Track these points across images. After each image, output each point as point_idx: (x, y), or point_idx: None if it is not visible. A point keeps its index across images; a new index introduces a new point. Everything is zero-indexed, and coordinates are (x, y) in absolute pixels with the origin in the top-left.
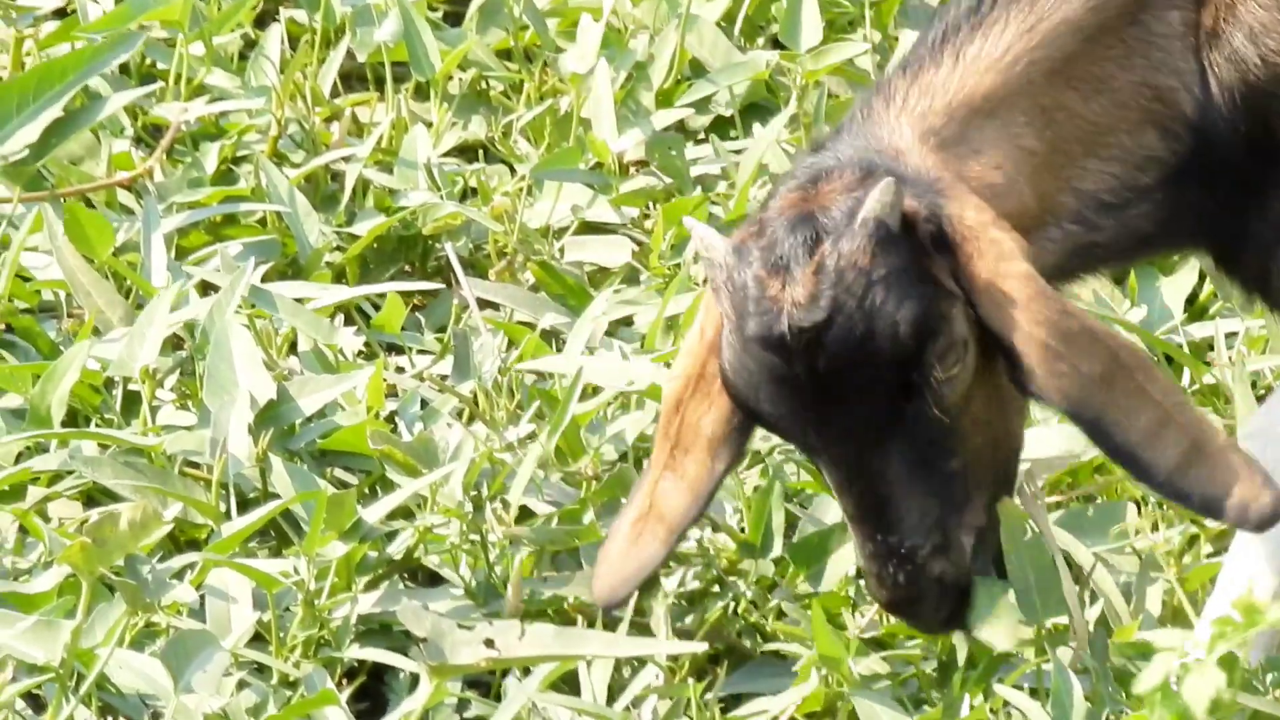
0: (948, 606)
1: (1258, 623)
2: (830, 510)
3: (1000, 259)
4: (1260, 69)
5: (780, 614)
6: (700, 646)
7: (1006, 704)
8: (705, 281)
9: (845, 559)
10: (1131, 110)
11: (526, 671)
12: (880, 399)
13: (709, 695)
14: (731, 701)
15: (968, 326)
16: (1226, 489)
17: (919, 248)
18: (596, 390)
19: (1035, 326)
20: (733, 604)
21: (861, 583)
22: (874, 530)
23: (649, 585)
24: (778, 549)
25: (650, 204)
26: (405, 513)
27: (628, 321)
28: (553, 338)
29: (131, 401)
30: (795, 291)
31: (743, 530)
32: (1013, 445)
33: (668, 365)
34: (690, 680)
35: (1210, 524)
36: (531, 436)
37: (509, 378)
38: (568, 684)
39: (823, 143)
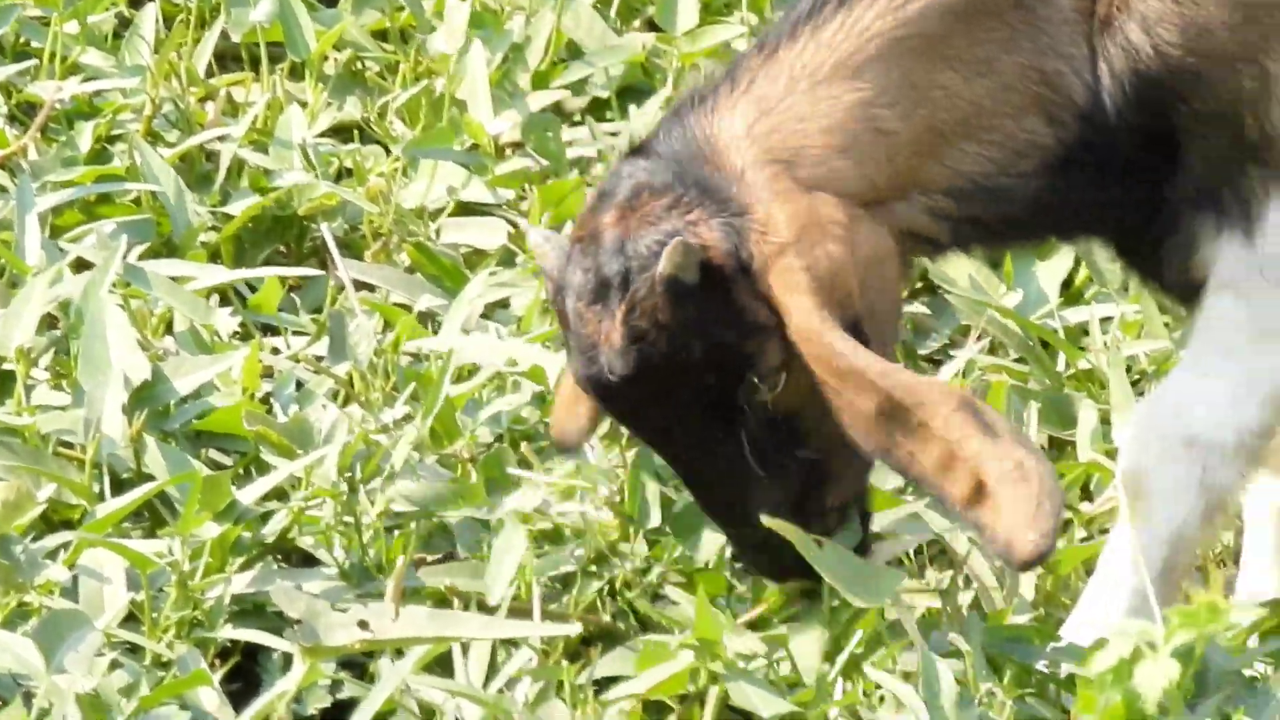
0: (802, 570)
1: (1219, 620)
2: None
3: (785, 290)
4: (1153, 59)
5: (655, 596)
6: (574, 628)
7: (879, 687)
8: None
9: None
10: (1016, 94)
11: (400, 653)
12: (700, 428)
13: (582, 677)
14: (606, 684)
15: (782, 353)
16: (1000, 526)
17: (725, 284)
18: (473, 372)
19: (812, 361)
20: (608, 586)
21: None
22: (727, 523)
23: None
24: (655, 519)
25: (526, 186)
26: (280, 494)
27: (504, 304)
28: (429, 319)
29: (5, 381)
30: (610, 335)
31: (622, 504)
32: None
33: (545, 346)
34: (564, 662)
35: (1084, 508)
36: (407, 418)
37: (384, 359)
38: (443, 667)
39: (649, 139)
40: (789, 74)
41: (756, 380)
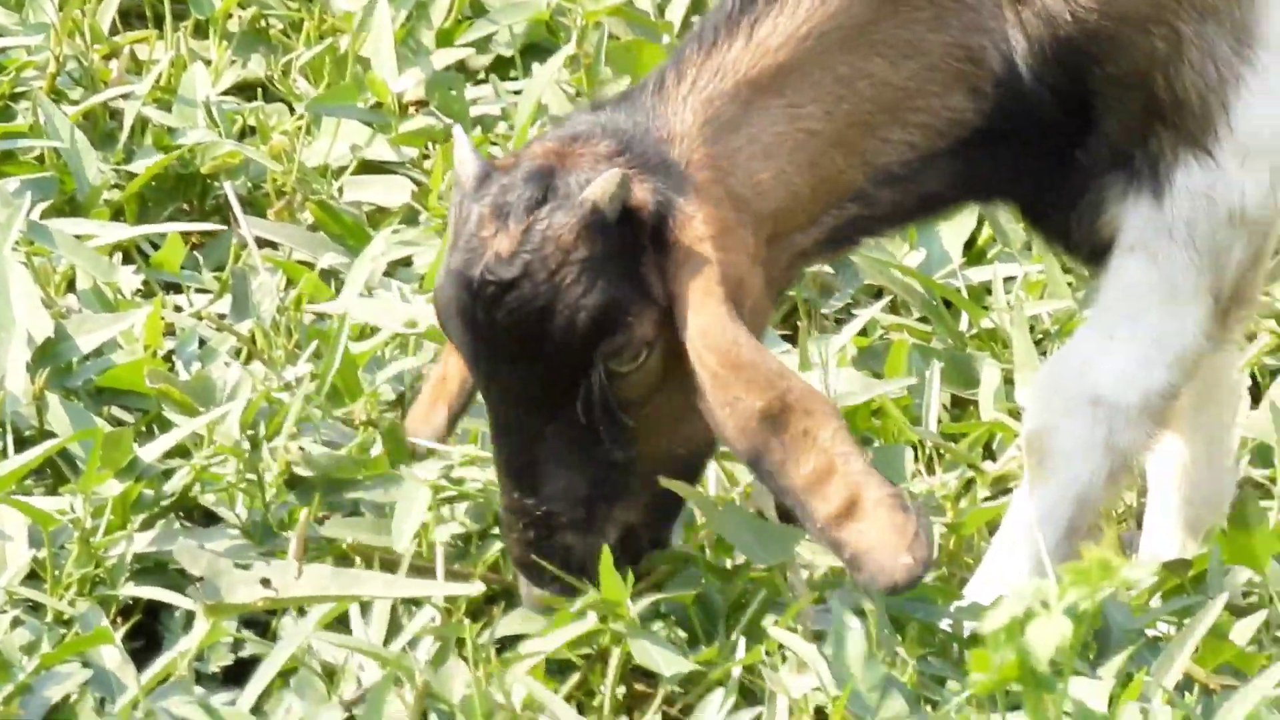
0: (565, 579)
1: (1111, 578)
2: None
3: (693, 276)
4: (1071, 24)
5: None
6: (476, 587)
7: (782, 646)
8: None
9: None
10: (942, 72)
11: (303, 612)
12: (547, 372)
13: (484, 636)
14: (508, 643)
15: (656, 332)
16: (872, 547)
17: (634, 243)
18: (375, 330)
19: (706, 350)
20: None
21: None
22: (515, 488)
23: None
24: None
25: (430, 144)
26: (182, 451)
27: (407, 262)
28: (331, 277)
29: None
30: (501, 242)
31: None
32: (693, 456)
33: None
34: (466, 621)
35: (987, 467)
36: (310, 376)
37: (287, 317)
38: (345, 626)
39: (605, 104)
40: (731, 77)
41: (622, 343)
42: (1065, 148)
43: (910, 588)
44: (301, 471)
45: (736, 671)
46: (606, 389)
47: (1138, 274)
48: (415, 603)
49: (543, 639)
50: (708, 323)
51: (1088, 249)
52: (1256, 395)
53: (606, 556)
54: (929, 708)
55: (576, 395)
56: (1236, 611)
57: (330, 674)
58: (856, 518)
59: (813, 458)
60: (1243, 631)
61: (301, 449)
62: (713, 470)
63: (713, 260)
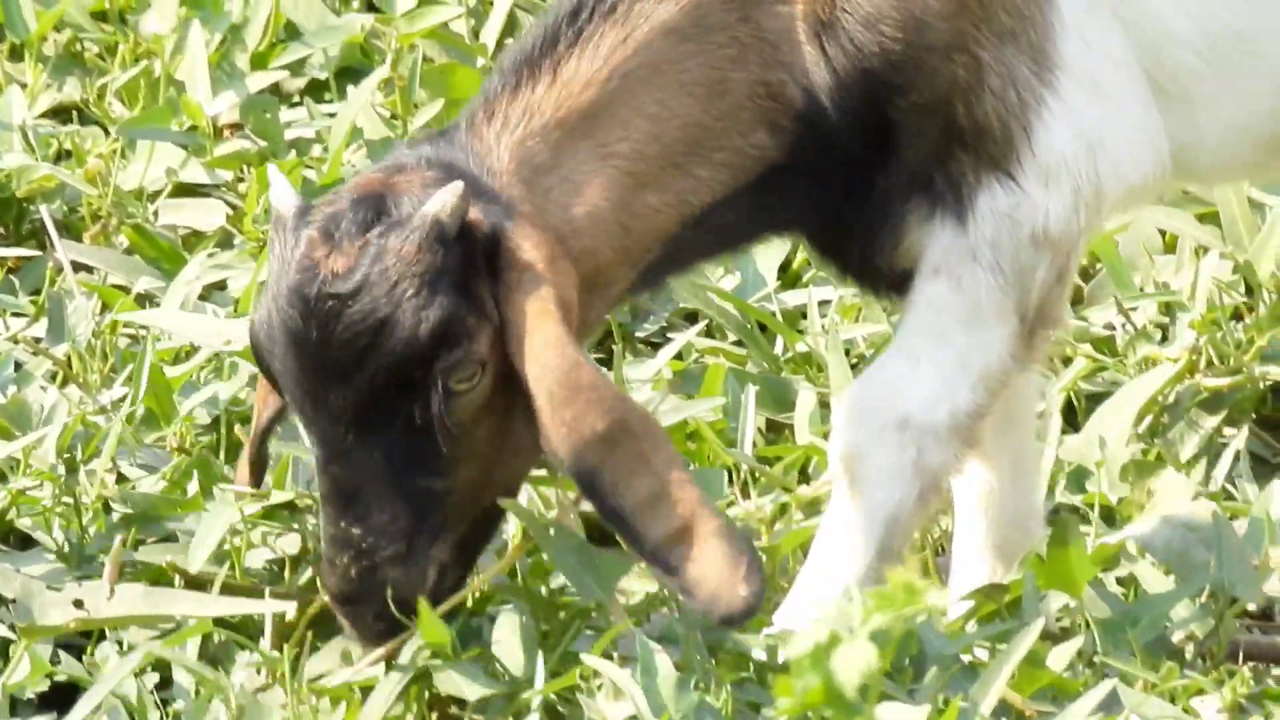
0: (388, 619)
1: (916, 602)
2: None
3: (529, 296)
4: (877, 55)
5: None
6: (289, 606)
7: (596, 674)
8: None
9: None
10: (746, 110)
11: (120, 642)
12: (379, 391)
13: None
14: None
15: (489, 351)
16: (706, 576)
17: (470, 261)
18: (190, 353)
19: (545, 370)
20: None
21: None
22: (340, 517)
23: None
24: None
25: (244, 167)
26: None
27: (221, 285)
28: (147, 301)
29: None
30: (337, 260)
31: None
32: (503, 491)
33: None
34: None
35: (802, 490)
36: (125, 399)
37: (103, 341)
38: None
39: (421, 141)
40: (539, 118)
41: (461, 357)
42: (863, 177)
43: (746, 619)
44: (117, 506)
45: (538, 701)
46: (439, 408)
47: (942, 297)
48: (232, 628)
49: (352, 670)
50: (546, 342)
51: (885, 278)
52: (1072, 420)
53: (424, 605)
54: None
55: (405, 417)
56: (1052, 637)
57: (138, 700)
58: (689, 544)
59: (647, 480)
60: (1059, 657)
61: (118, 478)
62: (526, 493)
63: (547, 283)
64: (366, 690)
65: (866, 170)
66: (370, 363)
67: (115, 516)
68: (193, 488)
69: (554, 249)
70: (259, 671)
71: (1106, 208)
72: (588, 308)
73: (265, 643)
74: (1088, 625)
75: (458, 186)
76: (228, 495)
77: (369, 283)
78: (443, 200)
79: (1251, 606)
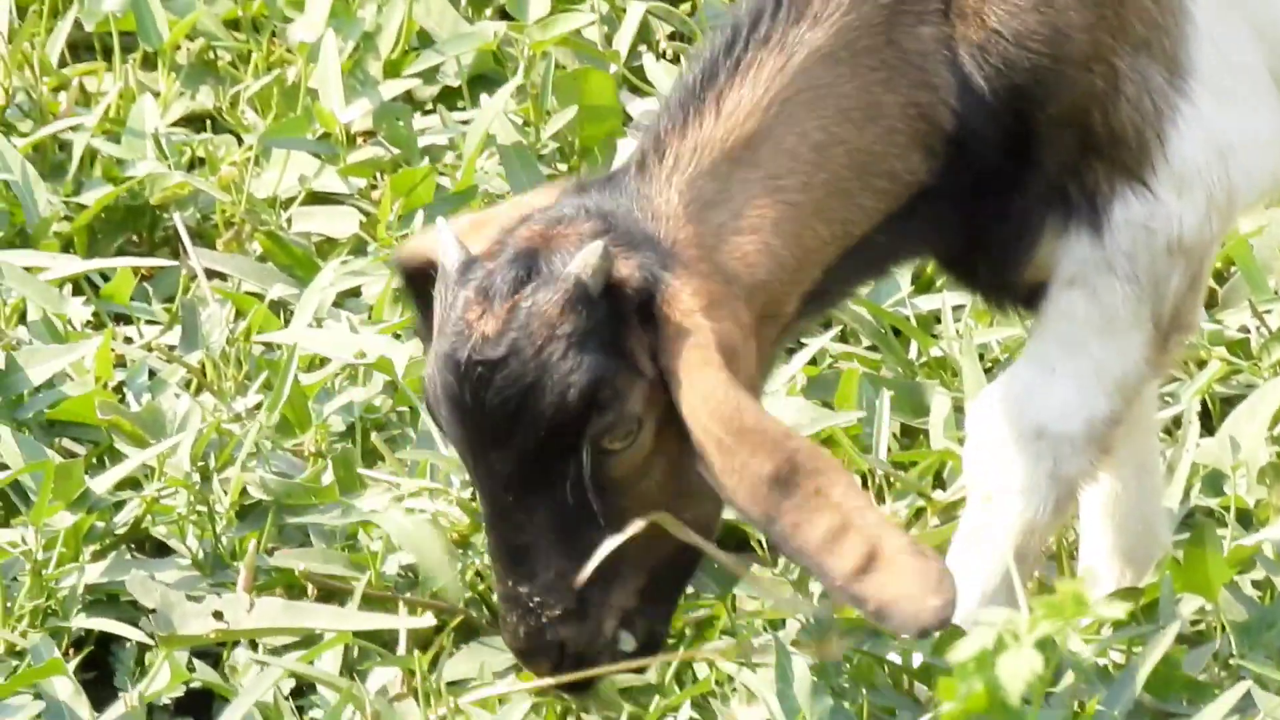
0: (568, 672)
1: (1084, 612)
2: None
3: (692, 346)
4: (1024, 72)
5: None
6: (428, 620)
7: (731, 678)
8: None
9: None
10: (901, 134)
11: (254, 642)
12: (537, 452)
13: (435, 671)
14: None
15: (646, 407)
16: (899, 596)
17: (620, 317)
18: (325, 361)
19: (711, 419)
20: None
21: None
22: (508, 575)
23: None
24: None
25: (378, 174)
26: (133, 483)
27: (355, 292)
28: (281, 308)
29: None
30: (488, 323)
31: (473, 500)
32: (700, 531)
33: (396, 336)
34: (416, 653)
35: (937, 496)
36: (260, 407)
37: (237, 348)
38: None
39: (589, 186)
40: (709, 154)
41: (613, 420)
42: (1000, 195)
43: (940, 629)
44: (255, 494)
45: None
46: (597, 468)
47: (1077, 307)
48: (369, 635)
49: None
50: (708, 391)
51: (1015, 293)
52: (1207, 423)
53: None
54: None
55: (564, 476)
56: (1187, 640)
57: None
58: (877, 570)
59: (826, 516)
60: (1195, 661)
61: (253, 481)
62: None
63: (706, 329)
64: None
65: (1003, 188)
66: (523, 426)
67: (248, 521)
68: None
69: (717, 292)
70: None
71: (1238, 213)
72: (764, 340)
73: (401, 649)
74: (1223, 629)
75: (598, 247)
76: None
77: (516, 347)
78: (584, 261)
79: None
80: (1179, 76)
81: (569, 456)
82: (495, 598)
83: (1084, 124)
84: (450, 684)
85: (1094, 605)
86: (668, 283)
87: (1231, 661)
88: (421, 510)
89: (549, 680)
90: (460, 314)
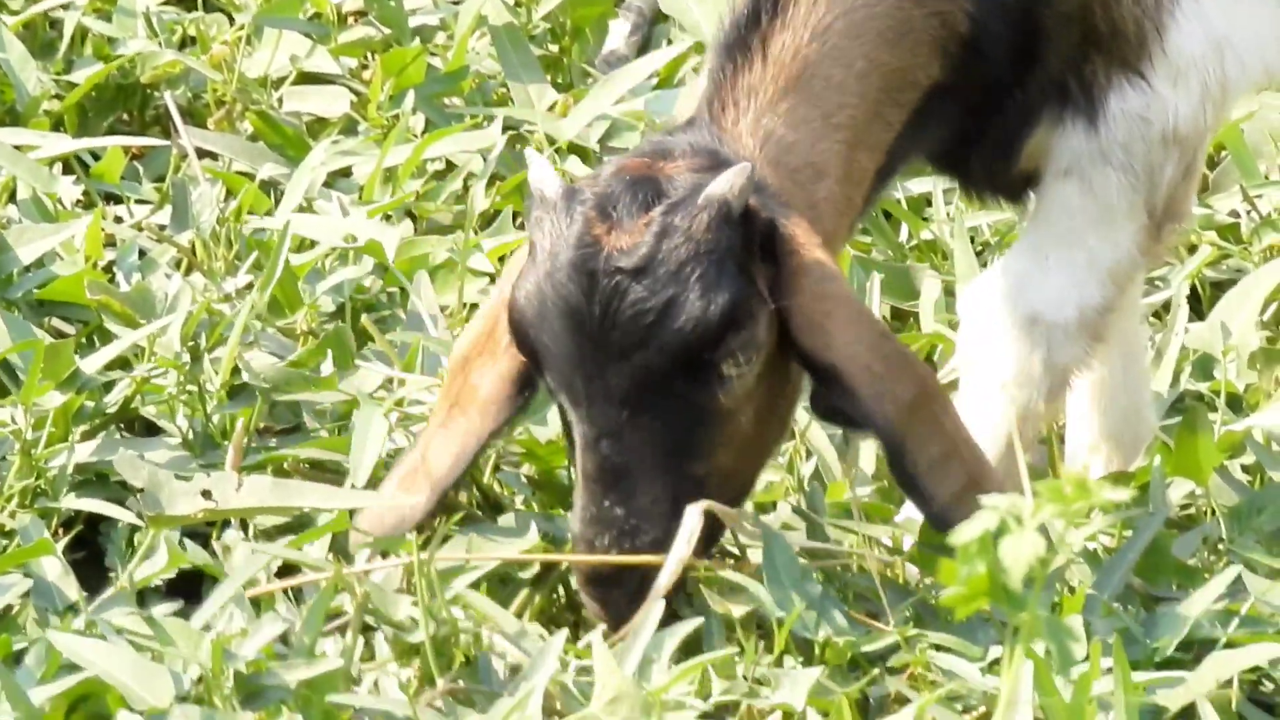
0: (637, 602)
1: (1087, 497)
2: None
3: (823, 279)
4: None
5: (496, 468)
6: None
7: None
8: (524, 229)
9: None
10: (925, 46)
11: (244, 523)
12: (661, 369)
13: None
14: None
15: (768, 333)
16: None
17: (749, 246)
18: (315, 242)
19: (857, 348)
20: None
21: None
22: (604, 496)
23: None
24: None
25: (368, 54)
26: (123, 363)
27: (346, 172)
28: (271, 188)
29: None
30: (620, 238)
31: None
32: (750, 478)
33: (386, 218)
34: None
35: None
36: (250, 287)
37: (227, 228)
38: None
39: (673, 130)
40: (765, 97)
41: (747, 339)
42: (1000, 92)
43: None
44: (247, 379)
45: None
46: (710, 393)
47: (1073, 198)
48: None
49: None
50: (855, 320)
51: (1006, 186)
52: (1197, 308)
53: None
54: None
55: (679, 399)
56: (1177, 525)
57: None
58: (972, 501)
59: (939, 441)
60: (1185, 545)
61: (244, 363)
62: None
63: (831, 263)
64: (500, 581)
65: (1004, 83)
66: (654, 342)
67: (238, 401)
68: (327, 368)
69: (818, 233)
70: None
71: (1232, 103)
72: None
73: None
74: (1213, 513)
75: (746, 167)
76: (363, 385)
77: (657, 261)
78: (730, 180)
79: None
80: None
81: (689, 376)
82: (576, 521)
83: (1087, 18)
84: (442, 572)
85: (1096, 490)
86: (788, 218)
87: (1221, 546)
88: (418, 402)
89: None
90: (583, 230)
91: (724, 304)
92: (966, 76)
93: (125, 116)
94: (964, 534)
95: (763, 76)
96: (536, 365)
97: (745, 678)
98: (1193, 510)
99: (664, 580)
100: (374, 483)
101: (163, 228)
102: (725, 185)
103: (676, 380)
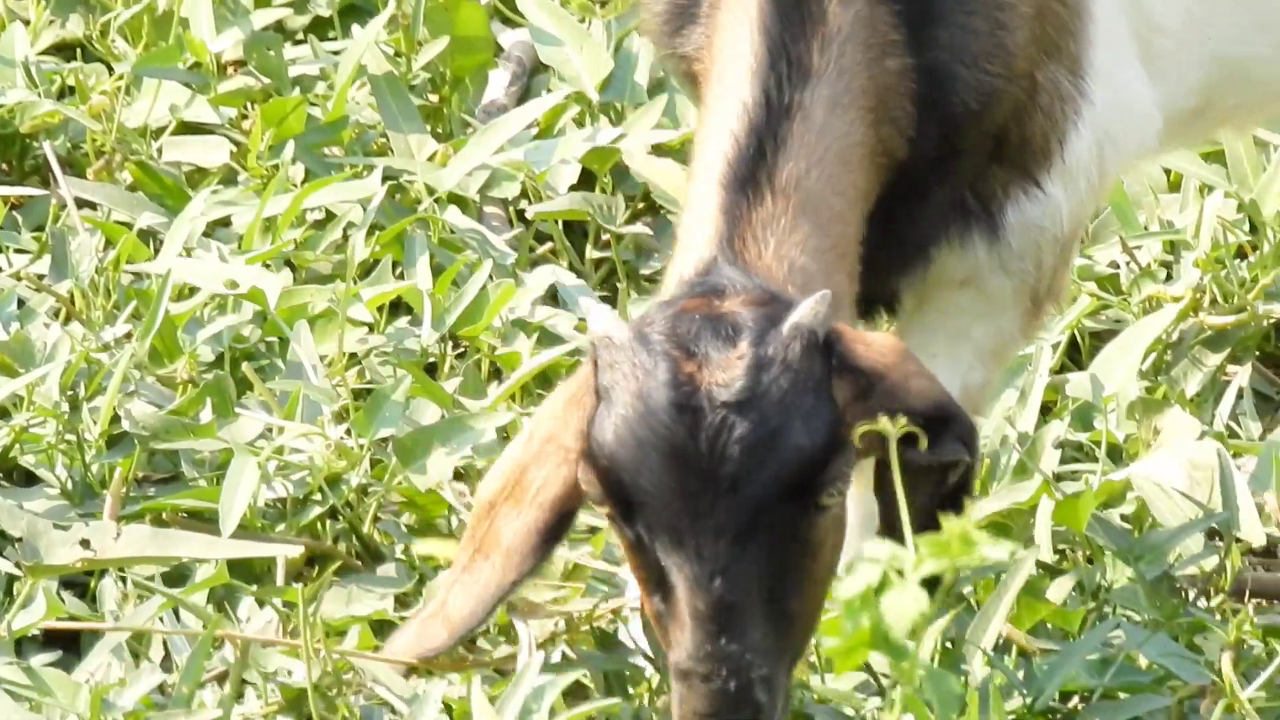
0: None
1: (969, 552)
2: (427, 413)
3: (889, 350)
4: (978, 93)
5: (376, 519)
6: (297, 549)
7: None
8: (570, 373)
9: (444, 461)
10: (875, 166)
11: (122, 572)
12: (771, 502)
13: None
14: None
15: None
16: None
17: (829, 368)
18: (194, 291)
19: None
20: (330, 510)
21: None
22: (720, 634)
23: None
24: (387, 430)
25: (248, 104)
26: (2, 412)
27: (225, 222)
28: (150, 237)
29: None
30: (715, 373)
31: (349, 433)
32: (819, 615)
33: (265, 266)
34: (296, 586)
35: None
36: (129, 336)
37: (106, 277)
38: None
39: (707, 269)
40: (776, 230)
41: (845, 467)
42: (915, 202)
43: None
44: (127, 428)
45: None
46: (810, 525)
47: (964, 301)
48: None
49: (368, 601)
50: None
51: (895, 297)
52: (1076, 358)
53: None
54: None
55: (782, 530)
56: (1053, 571)
57: (139, 638)
58: None
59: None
60: (1058, 590)
61: (124, 412)
62: None
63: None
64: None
65: (918, 198)
66: (766, 473)
67: (117, 451)
68: (206, 416)
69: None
70: (261, 607)
71: (1111, 185)
72: None
73: (279, 580)
74: (1089, 560)
75: (826, 295)
76: (243, 433)
77: (759, 393)
78: (813, 308)
79: (1257, 544)
80: (1080, 77)
81: (790, 508)
82: (686, 658)
83: (1002, 137)
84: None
85: (980, 543)
86: (841, 330)
87: (1099, 595)
88: (297, 450)
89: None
90: (673, 369)
91: (827, 430)
92: (894, 190)
93: (4, 166)
94: (846, 589)
95: (774, 210)
96: (626, 512)
97: None
98: (1071, 562)
99: None
100: (244, 530)
101: (41, 277)
102: (810, 313)
103: (779, 512)
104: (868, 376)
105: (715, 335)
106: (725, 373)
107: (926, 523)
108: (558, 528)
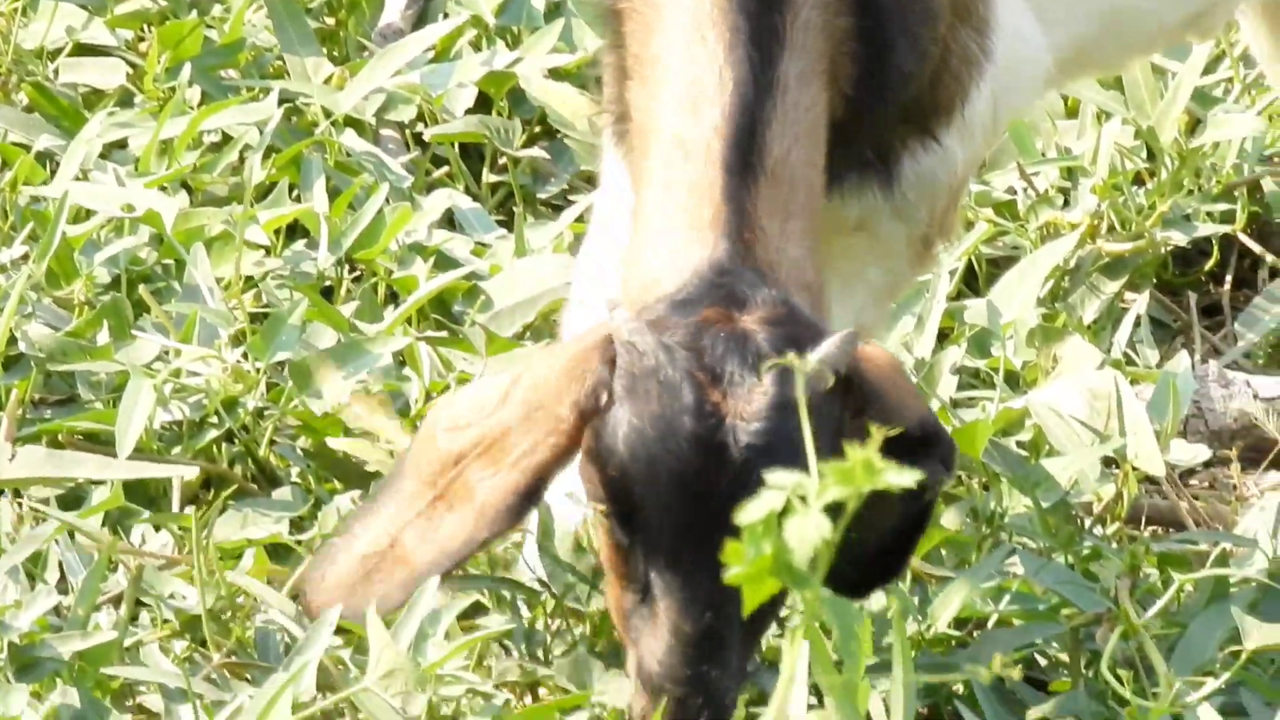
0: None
1: (874, 479)
2: (324, 337)
3: (878, 359)
4: (908, 55)
5: (272, 442)
6: (192, 470)
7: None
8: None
9: (340, 385)
10: (827, 141)
11: (18, 494)
12: None
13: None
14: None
15: None
16: None
17: (844, 405)
18: (91, 214)
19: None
20: (226, 433)
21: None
22: (701, 661)
23: None
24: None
25: (145, 26)
26: None
27: (122, 144)
28: (47, 159)
29: None
30: (739, 406)
31: (245, 356)
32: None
33: (162, 189)
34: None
35: None
36: (25, 258)
37: (3, 199)
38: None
39: (720, 269)
40: (780, 219)
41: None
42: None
43: None
44: (23, 350)
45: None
46: None
47: (858, 247)
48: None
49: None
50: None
51: None
52: (973, 284)
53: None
54: None
55: None
56: (949, 498)
57: (35, 559)
58: None
59: None
60: (953, 517)
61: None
62: None
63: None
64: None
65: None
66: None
67: (13, 373)
68: (103, 339)
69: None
70: (157, 530)
71: (1004, 132)
72: None
73: (175, 506)
74: (985, 487)
75: (852, 336)
76: (139, 356)
77: (779, 437)
78: (838, 346)
79: (1153, 472)
80: (985, 36)
81: None
82: (660, 676)
83: (915, 98)
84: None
85: (883, 470)
86: (859, 355)
87: (993, 521)
88: (194, 373)
89: None
90: (697, 396)
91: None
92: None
93: None
94: (749, 514)
95: (767, 196)
96: (623, 519)
97: (521, 653)
98: (968, 488)
99: None
100: (140, 452)
101: None
102: (835, 354)
103: None
104: (868, 398)
105: (741, 361)
106: (749, 406)
107: (898, 541)
108: (537, 491)
